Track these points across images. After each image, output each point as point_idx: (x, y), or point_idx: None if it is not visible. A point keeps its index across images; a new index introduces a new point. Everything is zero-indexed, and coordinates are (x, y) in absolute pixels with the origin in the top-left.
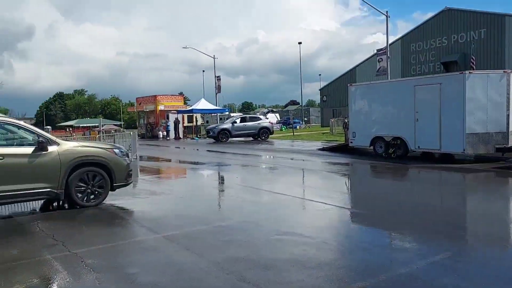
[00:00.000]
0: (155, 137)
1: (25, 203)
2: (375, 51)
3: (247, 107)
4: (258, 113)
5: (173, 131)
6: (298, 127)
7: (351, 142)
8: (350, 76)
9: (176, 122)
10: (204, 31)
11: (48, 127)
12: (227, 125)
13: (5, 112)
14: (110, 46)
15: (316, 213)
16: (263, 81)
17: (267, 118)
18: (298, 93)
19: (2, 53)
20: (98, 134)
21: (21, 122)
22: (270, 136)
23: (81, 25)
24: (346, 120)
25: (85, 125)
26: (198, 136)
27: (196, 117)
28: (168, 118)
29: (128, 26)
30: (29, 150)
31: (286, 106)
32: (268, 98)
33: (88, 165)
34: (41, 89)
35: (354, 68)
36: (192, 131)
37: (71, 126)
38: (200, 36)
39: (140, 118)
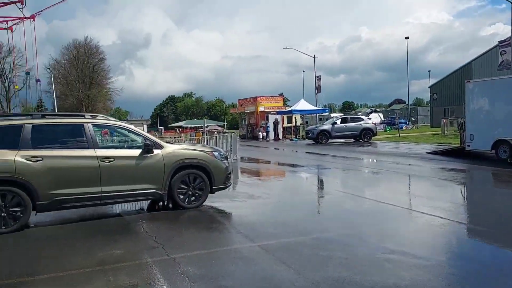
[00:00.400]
0: (255, 138)
1: (134, 202)
2: (496, 43)
3: (347, 107)
4: (360, 113)
5: (273, 132)
6: (404, 127)
7: (468, 146)
8: (464, 71)
9: (276, 123)
10: (305, 31)
11: (161, 127)
12: (327, 126)
13: (126, 114)
14: (215, 50)
15: (429, 228)
16: (365, 80)
17: (370, 119)
18: (403, 92)
19: (124, 61)
20: (202, 135)
21: (131, 126)
22: (373, 137)
23: (191, 32)
24: (461, 121)
25: (192, 126)
26: (297, 137)
27: (295, 118)
28: (267, 119)
29: (232, 31)
30: (136, 152)
31: (390, 105)
32: (370, 97)
33: (189, 167)
34: (156, 93)
35: (470, 62)
36: (291, 132)
37: (180, 126)
38: (301, 37)
39: (242, 119)
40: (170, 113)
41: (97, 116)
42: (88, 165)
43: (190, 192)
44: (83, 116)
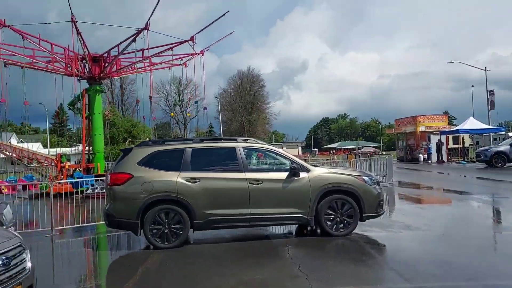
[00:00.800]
0: (415, 160)
1: (282, 226)
2: None
3: None
4: None
5: (435, 154)
6: None
7: None
8: None
9: (439, 144)
10: (473, 43)
11: (315, 149)
12: (503, 147)
13: (282, 136)
14: (371, 70)
15: None
16: None
17: None
18: None
19: (282, 87)
20: (355, 157)
21: (278, 149)
22: None
23: (346, 55)
24: None
25: (346, 147)
26: (466, 159)
27: (463, 138)
28: (429, 139)
29: (389, 49)
30: (283, 175)
31: None
32: None
33: (337, 192)
34: (311, 115)
35: None
36: (458, 154)
37: (334, 148)
38: (469, 49)
39: (399, 140)
40: (324, 135)
41: (247, 140)
42: (239, 187)
43: (338, 219)
44: (235, 140)
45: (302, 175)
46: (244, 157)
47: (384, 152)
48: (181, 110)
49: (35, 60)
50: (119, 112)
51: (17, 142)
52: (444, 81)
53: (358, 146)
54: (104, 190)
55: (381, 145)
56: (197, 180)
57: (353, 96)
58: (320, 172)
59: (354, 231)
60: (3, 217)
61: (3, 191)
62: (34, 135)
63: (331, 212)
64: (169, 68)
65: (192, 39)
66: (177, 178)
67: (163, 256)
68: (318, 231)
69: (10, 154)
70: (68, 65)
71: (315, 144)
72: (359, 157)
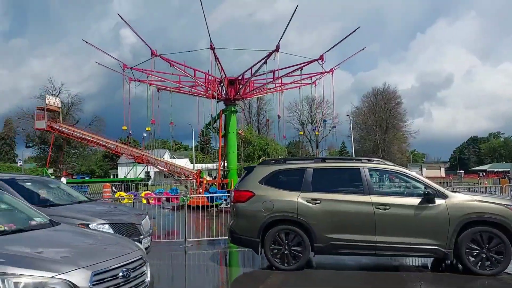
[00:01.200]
0: None
1: (414, 257)
2: None
3: None
4: None
5: None
6: None
7: None
8: None
9: None
10: None
11: (461, 171)
12: None
13: (422, 156)
14: None
15: None
16: None
17: None
18: None
19: (423, 103)
20: (510, 182)
21: (409, 171)
22: None
23: (499, 66)
24: None
25: (499, 170)
26: None
27: None
28: None
29: None
30: (415, 201)
31: None
32: None
33: (482, 224)
34: (456, 134)
35: None
36: None
37: (484, 170)
38: None
39: None
40: (472, 156)
41: (373, 160)
42: (363, 212)
43: (483, 255)
44: (360, 160)
45: (438, 201)
46: (369, 179)
47: None
48: (312, 128)
49: (180, 85)
50: (255, 131)
51: (169, 158)
52: None
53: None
54: None
55: None
56: (318, 201)
57: (508, 112)
58: (461, 199)
59: (505, 271)
60: (141, 227)
61: (150, 202)
62: (184, 151)
63: (474, 247)
64: (299, 88)
65: (321, 57)
66: (298, 198)
67: (283, 277)
68: (459, 266)
69: (162, 168)
70: (208, 88)
71: (461, 166)
72: None
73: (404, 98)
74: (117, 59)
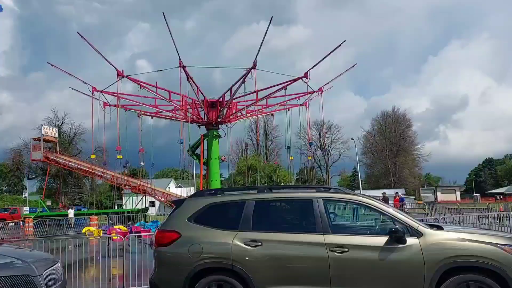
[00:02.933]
0: None
1: None
2: None
3: None
4: None
5: None
6: None
7: None
8: None
9: None
10: None
11: (477, 194)
12: None
13: (437, 180)
14: None
15: None
16: None
17: None
18: None
19: (438, 126)
20: None
21: (375, 202)
22: None
23: None
24: None
25: None
26: None
27: None
28: None
29: None
30: (381, 241)
31: None
32: None
33: (468, 271)
34: (472, 156)
35: None
36: None
37: (501, 193)
38: None
39: None
40: (488, 178)
41: (330, 188)
42: (314, 256)
43: None
44: (314, 188)
45: (411, 241)
46: (323, 213)
47: None
48: (322, 154)
49: (159, 109)
50: (263, 157)
51: (175, 187)
52: None
53: None
54: None
55: None
56: (259, 243)
57: None
58: (440, 238)
59: None
60: (41, 278)
61: (114, 238)
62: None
63: None
64: (288, 109)
65: (305, 75)
66: (233, 239)
67: None
68: None
69: (160, 198)
70: (187, 112)
71: (477, 189)
72: None
73: (419, 121)
74: (85, 82)
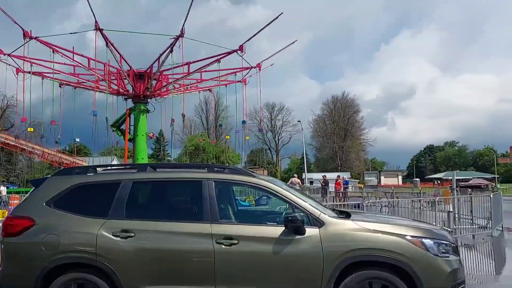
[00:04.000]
0: None
1: None
2: None
3: None
4: None
5: None
6: None
7: None
8: None
9: None
10: None
11: (417, 179)
12: None
13: (382, 164)
14: (489, 94)
15: None
16: None
17: None
18: None
19: (387, 112)
20: (451, 192)
21: (272, 185)
22: None
23: (459, 77)
24: None
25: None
26: None
27: None
28: None
29: (510, 71)
30: (276, 231)
31: None
32: None
33: (372, 266)
34: (417, 143)
35: None
36: None
37: (439, 179)
38: None
39: None
40: (428, 164)
41: (224, 169)
42: (198, 250)
43: None
44: (205, 168)
45: (310, 231)
46: (213, 198)
47: (499, 185)
48: (273, 136)
49: (80, 79)
50: (214, 138)
51: None
52: None
53: (455, 177)
54: None
55: (496, 176)
56: (131, 234)
57: (467, 122)
58: (345, 228)
59: None
60: None
61: None
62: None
63: None
64: (226, 86)
65: (241, 48)
66: (99, 229)
67: None
68: None
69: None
70: (112, 83)
71: (417, 174)
72: (458, 193)
73: (370, 107)
74: None
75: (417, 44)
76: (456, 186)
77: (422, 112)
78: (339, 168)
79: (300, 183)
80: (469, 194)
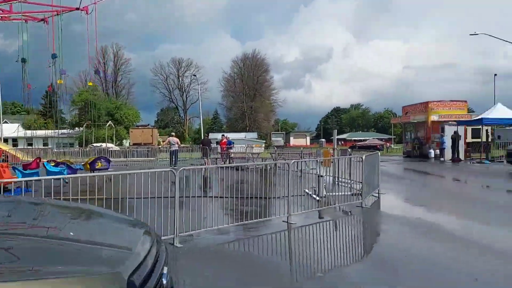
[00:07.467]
0: (424, 156)
1: None
2: None
3: None
4: None
5: (450, 150)
6: None
7: None
8: None
9: (455, 138)
10: (502, 35)
11: (323, 140)
12: None
13: (294, 126)
14: (397, 61)
15: None
16: None
17: None
18: None
19: (305, 75)
20: (334, 153)
21: None
22: None
23: (370, 44)
24: None
25: (356, 138)
26: (490, 159)
27: (487, 130)
28: (443, 131)
29: (416, 39)
30: None
31: None
32: None
33: None
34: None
35: None
36: (479, 150)
37: (343, 139)
38: (496, 42)
39: (406, 132)
40: (335, 125)
41: None
42: None
43: None
44: None
45: None
46: None
47: (394, 146)
48: (180, 93)
49: None
50: (112, 94)
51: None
52: (470, 74)
53: (335, 136)
54: None
55: (393, 137)
56: None
57: (376, 87)
58: None
59: None
60: None
61: None
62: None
63: None
64: (58, 14)
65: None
66: None
67: None
68: None
69: None
70: None
71: (325, 135)
72: (339, 154)
73: (288, 69)
74: None
75: (335, 9)
76: (343, 146)
77: (337, 76)
78: (248, 128)
79: (179, 142)
80: (349, 155)
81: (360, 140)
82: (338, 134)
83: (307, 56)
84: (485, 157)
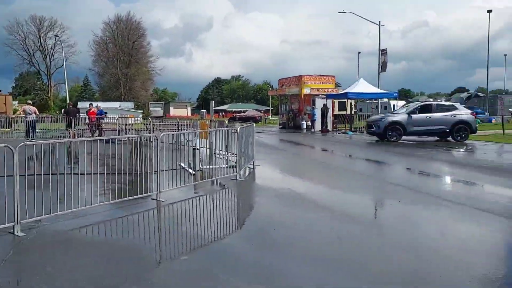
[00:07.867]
0: (298, 128)
1: None
2: None
3: (403, 95)
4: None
5: (320, 121)
6: (493, 120)
7: None
8: None
9: (324, 110)
10: (368, 15)
11: (204, 110)
12: (399, 116)
13: (174, 95)
14: (275, 34)
15: None
16: (427, 68)
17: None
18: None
19: (185, 44)
20: (211, 124)
21: None
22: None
23: (249, 14)
24: None
25: (236, 109)
26: (353, 129)
27: (351, 103)
28: (314, 104)
29: (293, 14)
30: None
31: (452, 94)
32: (430, 86)
33: None
34: (210, 76)
35: None
36: (344, 121)
37: (224, 110)
38: (363, 22)
39: (282, 104)
40: (216, 96)
41: None
42: None
43: None
44: None
45: None
46: None
47: (271, 117)
48: (43, 57)
49: None
50: None
51: None
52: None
53: (212, 107)
54: None
55: (271, 108)
56: None
57: (255, 60)
58: None
59: None
60: None
61: None
62: None
63: None
64: None
65: None
66: None
67: None
68: None
69: None
70: None
71: (205, 105)
72: (216, 126)
73: (167, 36)
74: None
75: None
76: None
77: (217, 46)
78: (123, 97)
79: (37, 112)
80: (226, 127)
81: (240, 112)
82: (219, 105)
83: (187, 23)
84: (349, 128)
